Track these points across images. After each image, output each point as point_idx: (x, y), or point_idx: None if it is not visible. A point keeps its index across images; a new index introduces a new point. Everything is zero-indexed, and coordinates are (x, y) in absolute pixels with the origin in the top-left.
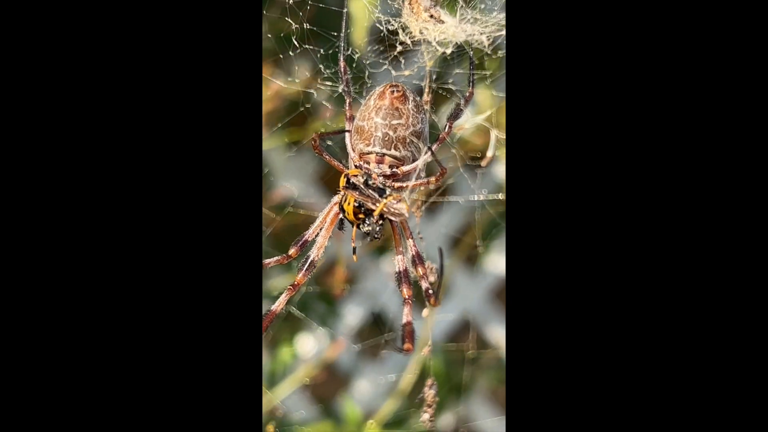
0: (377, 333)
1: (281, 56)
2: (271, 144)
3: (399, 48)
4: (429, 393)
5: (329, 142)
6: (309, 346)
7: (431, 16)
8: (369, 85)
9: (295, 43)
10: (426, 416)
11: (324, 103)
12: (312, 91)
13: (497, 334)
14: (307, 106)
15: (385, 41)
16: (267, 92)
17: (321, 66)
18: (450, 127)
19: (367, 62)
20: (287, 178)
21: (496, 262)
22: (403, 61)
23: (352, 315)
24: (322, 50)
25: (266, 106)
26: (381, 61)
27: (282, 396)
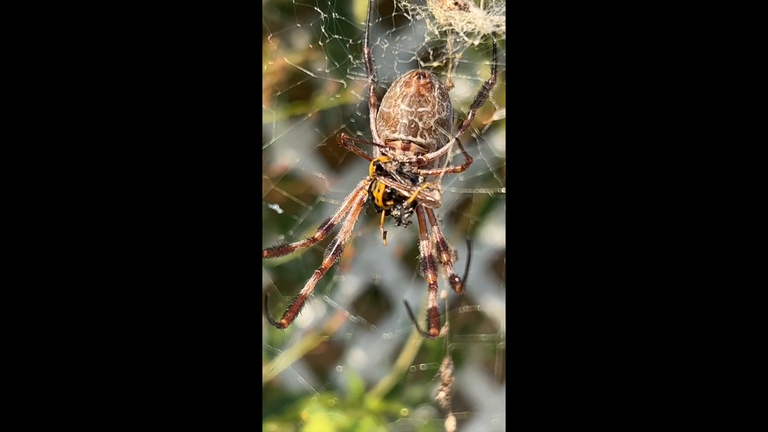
0: (377, 305)
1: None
2: (275, 117)
3: (427, 38)
4: (446, 372)
5: (359, 133)
6: (308, 315)
7: (456, 4)
8: (398, 75)
9: (324, 32)
10: (442, 395)
11: (330, 61)
12: (318, 79)
13: (493, 305)
14: (337, 95)
15: (412, 31)
16: (272, 66)
17: (350, 56)
18: (473, 114)
19: (396, 53)
20: (288, 149)
21: (492, 234)
22: (431, 52)
23: (350, 285)
24: (351, 40)
25: (270, 79)
26: (410, 51)
27: (281, 368)
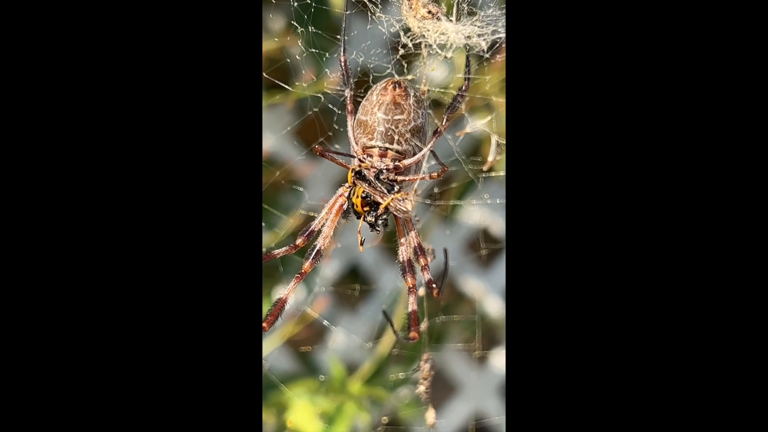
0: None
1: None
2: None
3: (401, 51)
4: (425, 367)
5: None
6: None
7: (429, 12)
8: (372, 85)
9: (302, 47)
10: (422, 388)
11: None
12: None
13: (471, 286)
14: (315, 110)
15: (387, 45)
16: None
17: (327, 70)
18: (447, 120)
19: (371, 66)
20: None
21: (468, 214)
22: (405, 65)
23: (330, 270)
24: (327, 54)
25: None
26: (384, 64)
27: (264, 353)
